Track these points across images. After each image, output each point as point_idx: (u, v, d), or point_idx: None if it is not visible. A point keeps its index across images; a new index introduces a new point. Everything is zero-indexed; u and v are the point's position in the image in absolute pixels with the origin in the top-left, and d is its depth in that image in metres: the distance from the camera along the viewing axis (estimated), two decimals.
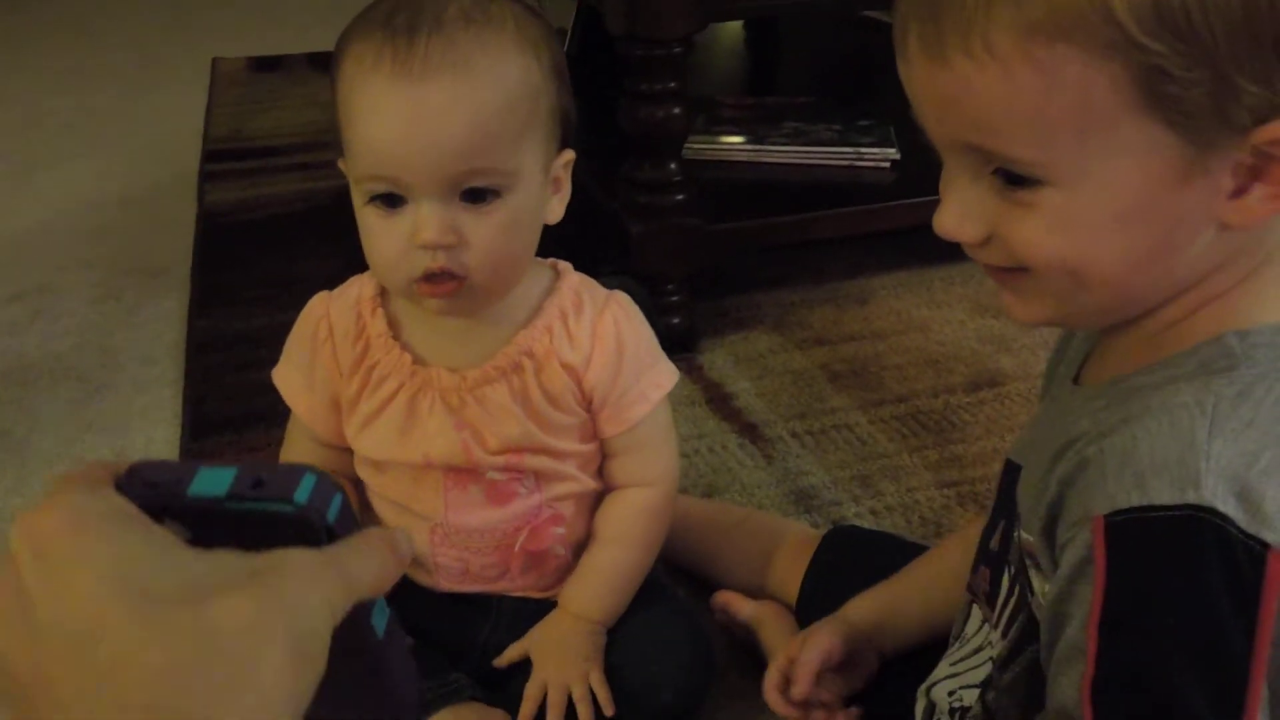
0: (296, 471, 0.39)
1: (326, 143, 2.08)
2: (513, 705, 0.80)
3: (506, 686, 0.83)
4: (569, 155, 0.77)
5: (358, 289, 0.81)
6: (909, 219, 1.41)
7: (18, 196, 1.92)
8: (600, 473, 0.85)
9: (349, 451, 0.84)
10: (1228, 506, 0.45)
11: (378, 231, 0.72)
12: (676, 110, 1.24)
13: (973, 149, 0.50)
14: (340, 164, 0.76)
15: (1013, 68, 0.46)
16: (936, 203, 0.54)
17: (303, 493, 0.39)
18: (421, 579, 0.85)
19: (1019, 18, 0.45)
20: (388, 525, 0.84)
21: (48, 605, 0.33)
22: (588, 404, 0.80)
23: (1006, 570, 0.62)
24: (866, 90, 1.95)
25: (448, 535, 0.82)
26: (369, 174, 0.71)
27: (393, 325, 0.79)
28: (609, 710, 0.79)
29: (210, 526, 0.38)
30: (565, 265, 0.82)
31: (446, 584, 0.84)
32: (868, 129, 1.55)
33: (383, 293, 0.80)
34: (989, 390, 1.27)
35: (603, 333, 0.79)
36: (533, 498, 0.81)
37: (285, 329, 0.84)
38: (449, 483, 0.80)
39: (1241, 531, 0.45)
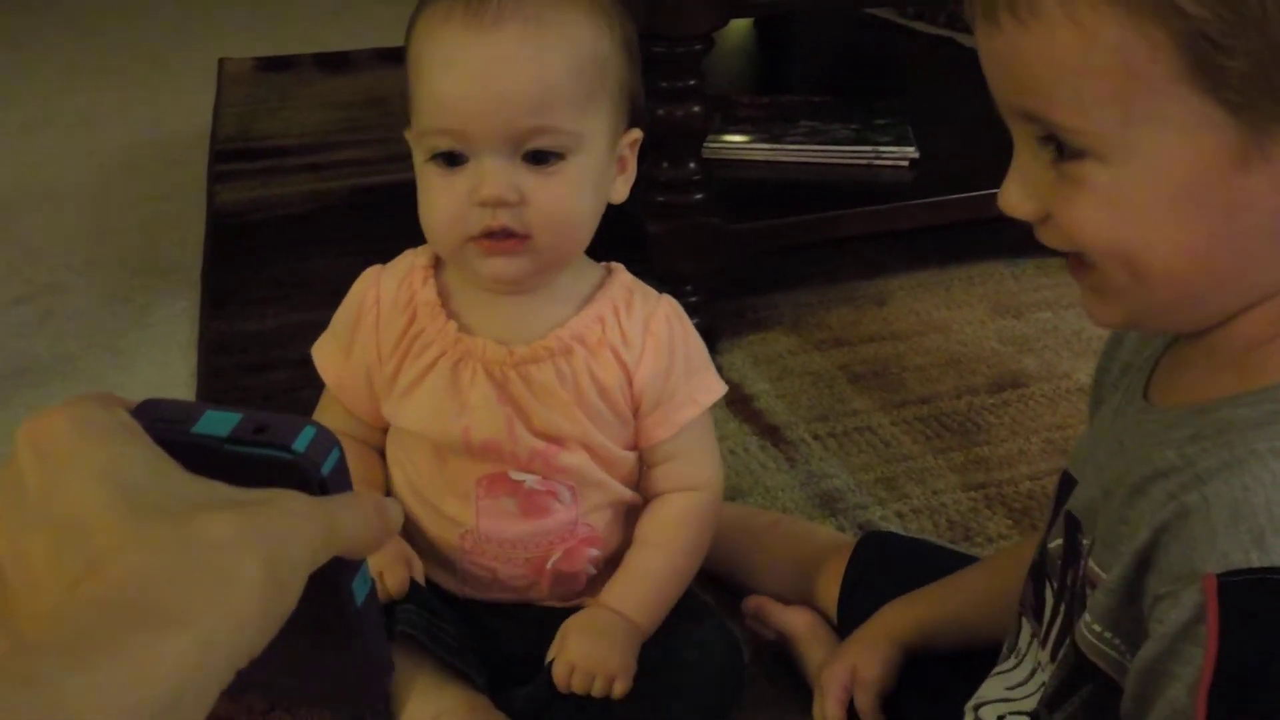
0: (299, 422, 0.40)
1: (337, 143, 2.08)
2: (521, 712, 0.78)
3: (517, 692, 0.80)
4: (636, 134, 0.76)
5: (411, 260, 0.79)
6: (928, 218, 1.40)
7: (27, 196, 1.90)
8: (639, 484, 0.83)
9: (381, 431, 0.83)
10: None
11: (437, 188, 0.72)
12: (696, 108, 1.22)
13: (1025, 116, 0.49)
14: (407, 134, 0.75)
15: (1054, 28, 0.45)
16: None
17: (302, 442, 0.40)
18: (447, 584, 0.83)
19: None
20: (417, 534, 0.82)
21: (41, 497, 0.35)
22: (635, 407, 0.78)
23: (1050, 585, 0.60)
24: (877, 88, 1.94)
25: (478, 543, 0.80)
26: (434, 127, 0.70)
27: (442, 294, 0.78)
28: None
29: (210, 467, 0.38)
30: (618, 266, 0.81)
31: (473, 591, 0.83)
32: (885, 128, 1.54)
33: (436, 263, 0.79)
34: (1012, 391, 1.25)
35: (656, 330, 0.78)
36: (568, 511, 0.79)
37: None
38: (480, 491, 0.78)
39: None
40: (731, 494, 1.09)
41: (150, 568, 0.33)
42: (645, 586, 0.81)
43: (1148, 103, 0.45)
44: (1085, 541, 0.56)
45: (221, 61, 2.58)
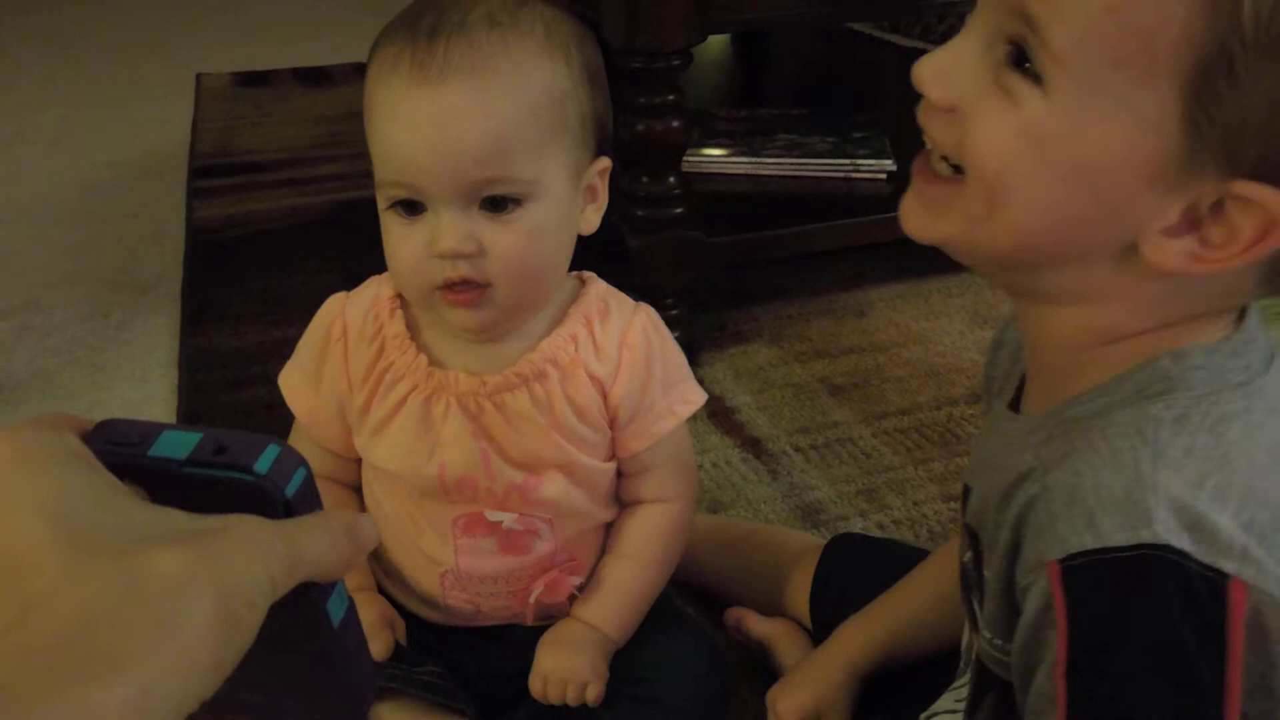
0: (261, 442, 0.38)
1: (315, 158, 2.07)
2: None
3: (508, 713, 0.81)
4: (604, 163, 0.74)
5: (375, 289, 0.77)
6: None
7: (4, 212, 1.89)
8: (615, 497, 0.82)
9: (355, 462, 0.81)
10: (1181, 541, 0.44)
11: (397, 238, 0.70)
12: (676, 123, 1.23)
13: (1017, 13, 0.46)
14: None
15: None
16: None
17: (264, 463, 0.38)
18: (431, 617, 0.82)
19: None
20: (397, 571, 0.82)
21: None
22: (611, 420, 0.78)
23: (973, 598, 0.61)
24: (855, 102, 1.95)
25: (459, 581, 0.79)
26: (387, 180, 0.69)
27: (411, 328, 0.76)
28: None
29: (169, 490, 0.37)
30: (591, 275, 0.80)
31: (458, 622, 0.82)
32: (863, 141, 1.55)
33: (402, 294, 0.77)
34: None
35: (632, 343, 0.76)
36: (548, 544, 0.79)
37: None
38: (457, 531, 0.77)
39: (1198, 564, 0.44)
40: (713, 506, 1.10)
41: (89, 611, 0.31)
42: (616, 599, 0.81)
43: (1134, 78, 0.44)
44: (981, 548, 0.57)
45: (199, 76, 2.57)
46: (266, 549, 0.35)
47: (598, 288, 0.78)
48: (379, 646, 0.76)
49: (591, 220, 0.75)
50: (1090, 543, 0.46)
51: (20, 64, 2.81)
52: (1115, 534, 0.45)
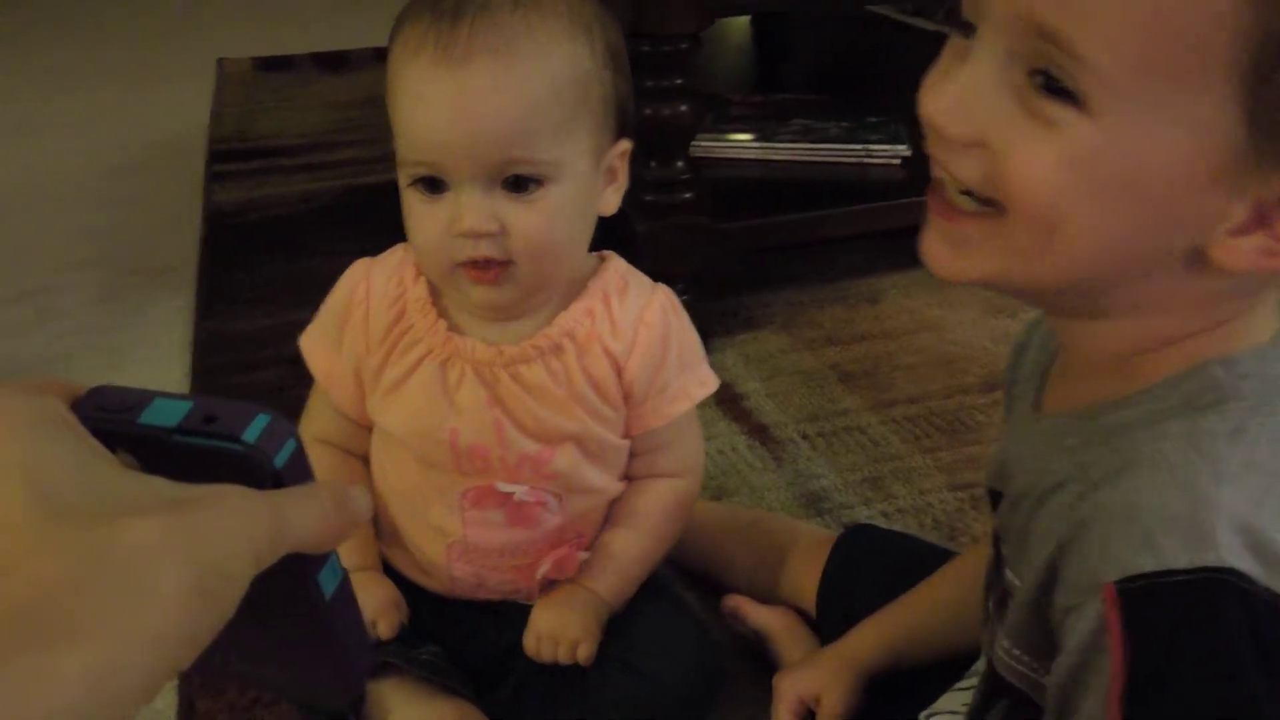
0: (250, 411, 0.38)
1: (333, 143, 2.08)
2: (503, 708, 0.80)
3: (500, 690, 0.81)
4: (625, 145, 0.75)
5: (401, 254, 0.78)
6: (920, 217, 1.39)
7: (23, 197, 1.91)
8: (624, 473, 0.82)
9: (368, 429, 0.82)
10: (1245, 563, 0.42)
11: (419, 215, 0.71)
12: (683, 107, 1.22)
13: (1039, 33, 0.42)
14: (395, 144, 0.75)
15: None
16: None
17: (253, 433, 0.37)
18: (434, 587, 0.83)
19: None
20: (403, 540, 0.82)
21: None
22: (626, 396, 0.78)
23: (991, 596, 0.60)
24: (876, 87, 1.93)
25: (466, 552, 0.80)
26: (410, 158, 0.70)
27: (432, 292, 0.77)
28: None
29: (159, 458, 0.36)
30: (612, 254, 0.80)
31: (460, 593, 0.83)
32: (877, 126, 1.54)
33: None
34: (1003, 391, 1.25)
35: (650, 320, 0.77)
36: (556, 518, 0.79)
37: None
38: (466, 503, 0.78)
39: (1263, 589, 0.42)
40: (718, 494, 1.09)
41: (57, 578, 0.30)
42: (616, 566, 0.81)
43: (1185, 84, 0.41)
44: (1005, 552, 0.56)
45: (220, 61, 2.58)
46: (250, 520, 0.34)
47: (618, 265, 0.79)
48: (385, 626, 0.77)
49: (611, 201, 0.76)
50: (1150, 565, 0.43)
51: (43, 48, 2.83)
52: (1176, 556, 0.43)
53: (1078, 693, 0.47)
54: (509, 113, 0.67)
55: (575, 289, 0.77)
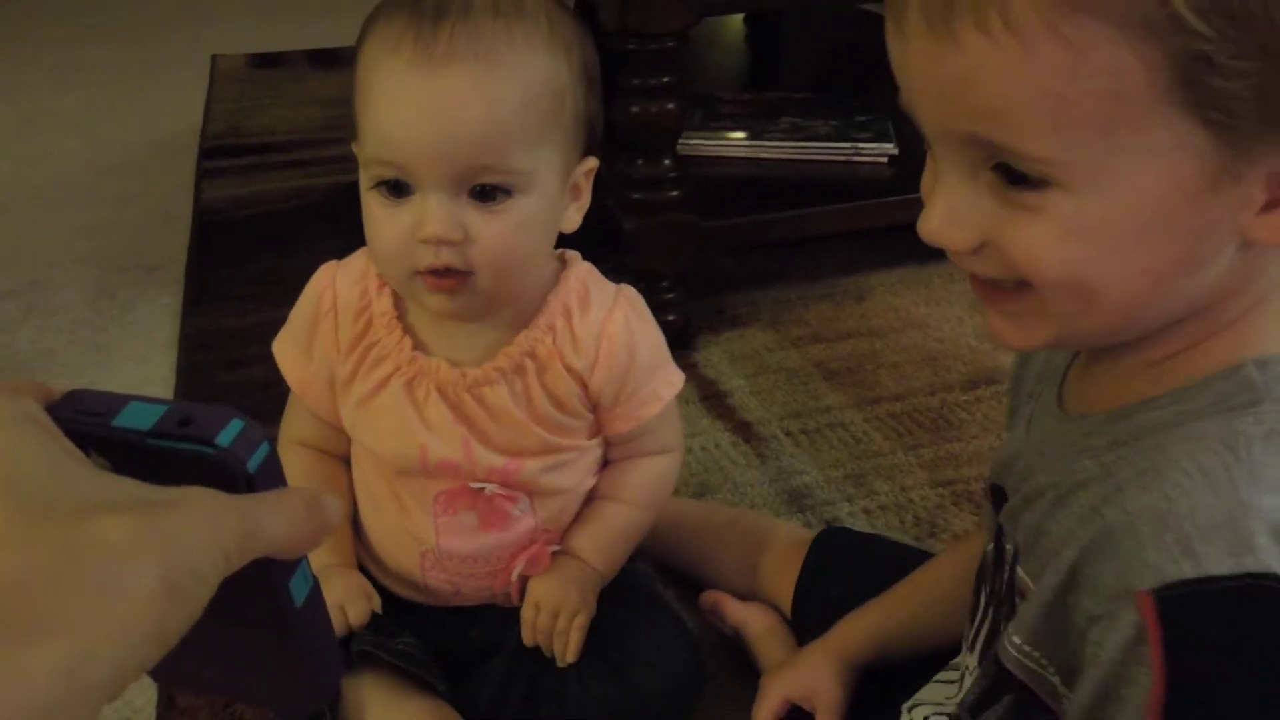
0: (225, 415, 0.38)
1: (324, 139, 2.08)
2: (485, 709, 0.80)
3: (480, 689, 0.81)
4: (592, 163, 0.74)
5: (365, 261, 0.77)
6: (907, 215, 1.37)
7: (15, 194, 1.91)
8: (599, 465, 0.83)
9: (347, 437, 0.82)
10: None
11: (381, 219, 0.70)
12: (670, 105, 1.22)
13: (975, 141, 0.43)
14: (354, 145, 0.74)
15: (1034, 45, 0.40)
16: None
17: (226, 437, 0.37)
18: (411, 596, 0.83)
19: None
20: (377, 549, 0.83)
21: None
22: (594, 405, 0.78)
23: (983, 589, 0.60)
24: (865, 85, 1.94)
25: (439, 560, 0.80)
26: (377, 158, 0.68)
27: (398, 305, 0.76)
28: (566, 659, 0.78)
29: (133, 461, 0.36)
30: (573, 255, 0.79)
31: (436, 602, 0.83)
32: (865, 124, 1.54)
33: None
34: (986, 388, 1.26)
35: (613, 333, 0.76)
36: (527, 520, 0.79)
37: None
38: (439, 508, 0.78)
39: None
40: (700, 490, 1.10)
41: (28, 573, 0.30)
42: (607, 536, 0.82)
43: (1131, 128, 0.41)
44: (1008, 547, 0.55)
45: (214, 58, 2.58)
46: (220, 521, 0.34)
47: (578, 271, 0.78)
48: (356, 612, 0.77)
49: (573, 219, 0.75)
50: (1189, 571, 0.42)
51: (39, 46, 2.83)
52: (1217, 562, 0.42)
53: (1109, 705, 0.45)
54: (485, 118, 0.66)
55: (536, 300, 0.76)
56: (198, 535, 0.33)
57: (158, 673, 0.43)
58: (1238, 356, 0.46)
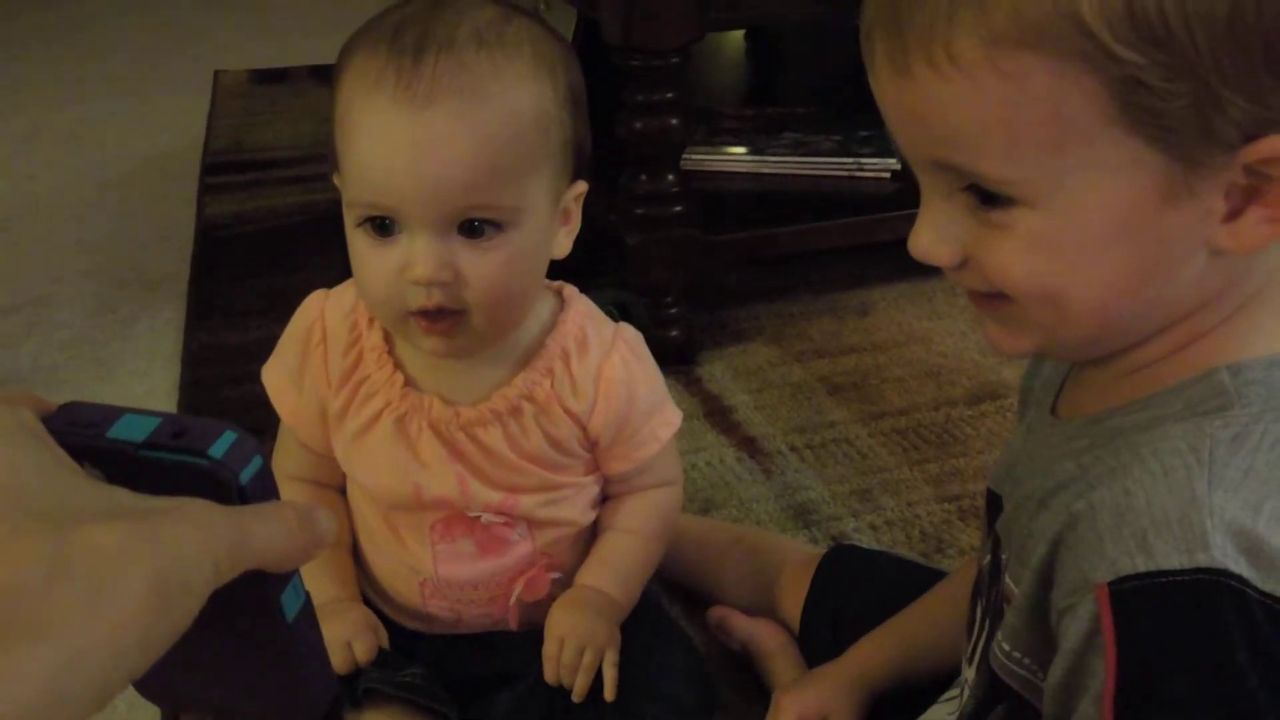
0: (218, 427, 0.38)
1: (324, 155, 2.07)
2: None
3: (489, 712, 0.80)
4: (581, 187, 0.72)
5: (354, 294, 0.75)
6: (910, 230, 1.39)
7: (18, 209, 1.91)
8: (598, 500, 0.82)
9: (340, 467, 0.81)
10: (1240, 566, 0.42)
11: (368, 260, 0.68)
12: (674, 121, 1.23)
13: (942, 166, 0.47)
14: (335, 178, 0.72)
15: (978, 79, 0.43)
16: None
17: (219, 448, 0.37)
18: (413, 625, 0.82)
19: (983, 25, 0.42)
20: (377, 579, 0.82)
21: None
22: (592, 445, 0.77)
23: (979, 602, 0.60)
24: (867, 100, 1.94)
25: (438, 589, 0.79)
26: (362, 199, 0.66)
27: (389, 339, 0.75)
28: (610, 694, 0.75)
29: (126, 472, 0.36)
30: (570, 291, 0.78)
31: (439, 630, 0.82)
32: (868, 139, 1.54)
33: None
34: (990, 403, 1.25)
35: (611, 376, 0.75)
36: (525, 545, 0.78)
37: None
38: (435, 536, 0.77)
39: (1258, 591, 0.42)
40: (706, 506, 1.09)
41: (18, 579, 0.30)
42: (621, 566, 0.80)
43: (1080, 148, 0.44)
44: (1004, 556, 0.55)
45: (217, 74, 2.59)
46: (211, 532, 0.34)
47: (576, 312, 0.76)
48: (363, 648, 0.75)
49: (564, 245, 0.73)
50: (1142, 565, 0.44)
51: (42, 61, 2.84)
52: (1170, 556, 0.43)
53: (1074, 695, 0.47)
54: (472, 158, 0.64)
55: (531, 338, 0.75)
56: (188, 545, 0.33)
57: (148, 689, 0.43)
58: (1214, 362, 0.47)
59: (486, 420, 0.73)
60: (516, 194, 0.66)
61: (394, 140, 0.64)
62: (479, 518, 0.76)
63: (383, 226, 0.66)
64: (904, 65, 0.45)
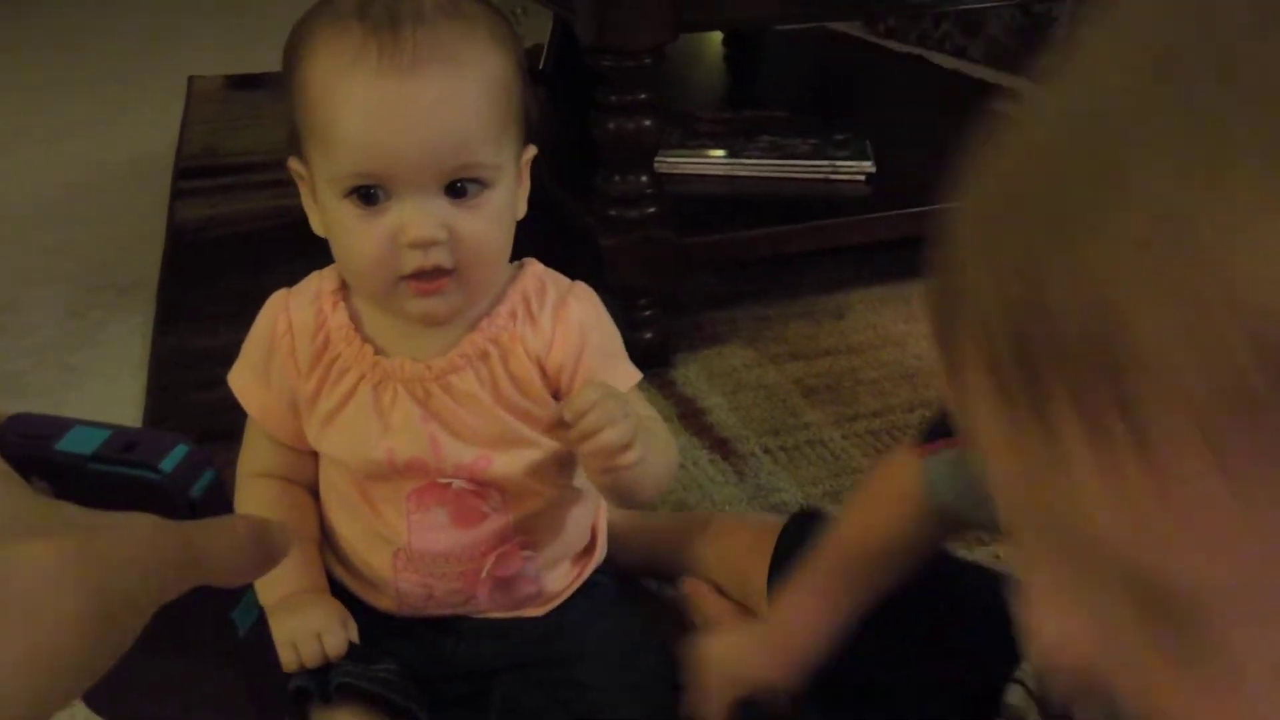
0: (169, 440, 0.38)
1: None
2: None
3: (472, 702, 0.80)
4: (532, 151, 0.77)
5: (317, 284, 0.79)
6: (885, 232, 1.40)
7: None
8: (572, 473, 0.81)
9: (311, 455, 0.82)
10: None
11: (357, 231, 0.69)
12: (647, 122, 1.22)
13: (1141, 579, 0.29)
14: (292, 164, 0.74)
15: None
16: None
17: (170, 462, 0.37)
18: (384, 605, 0.82)
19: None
20: (349, 554, 0.82)
21: None
22: (554, 392, 0.78)
23: None
24: (843, 104, 1.94)
25: (411, 560, 0.79)
26: (352, 171, 0.68)
27: (354, 319, 0.77)
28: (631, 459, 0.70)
29: (75, 485, 0.36)
30: (530, 259, 0.81)
31: (410, 610, 0.81)
32: (843, 142, 1.54)
33: (343, 287, 0.78)
34: None
35: (566, 315, 0.77)
36: (500, 518, 0.78)
37: None
38: (411, 505, 0.78)
39: None
40: (679, 507, 1.09)
41: None
42: (643, 425, 0.74)
43: (1062, 555, 0.32)
44: None
45: (191, 79, 2.57)
46: (156, 547, 0.34)
47: (535, 269, 0.80)
48: (333, 641, 0.75)
49: (521, 205, 0.77)
50: None
51: (16, 66, 2.82)
52: None
53: None
54: (460, 120, 0.68)
55: (497, 296, 0.77)
56: (132, 561, 0.33)
57: (98, 704, 0.42)
58: None
59: (458, 367, 0.75)
60: (497, 152, 0.70)
61: (386, 108, 0.67)
62: (451, 484, 0.77)
63: (369, 196, 0.69)
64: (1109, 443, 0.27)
